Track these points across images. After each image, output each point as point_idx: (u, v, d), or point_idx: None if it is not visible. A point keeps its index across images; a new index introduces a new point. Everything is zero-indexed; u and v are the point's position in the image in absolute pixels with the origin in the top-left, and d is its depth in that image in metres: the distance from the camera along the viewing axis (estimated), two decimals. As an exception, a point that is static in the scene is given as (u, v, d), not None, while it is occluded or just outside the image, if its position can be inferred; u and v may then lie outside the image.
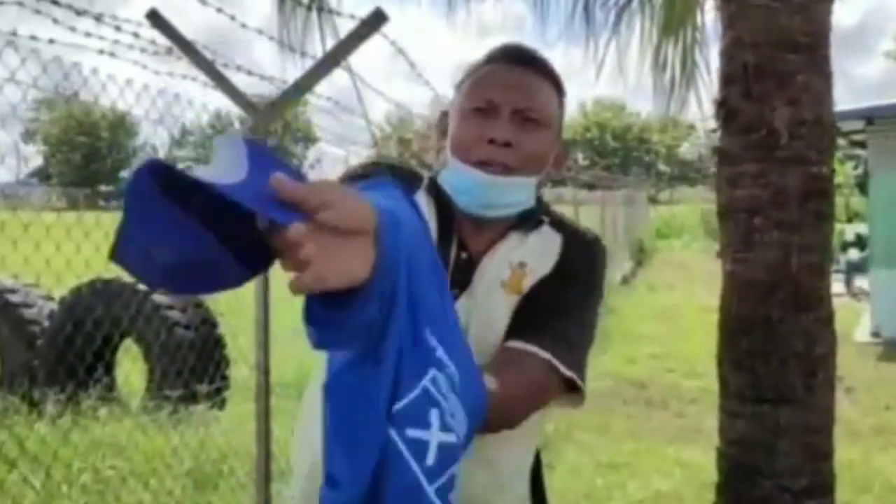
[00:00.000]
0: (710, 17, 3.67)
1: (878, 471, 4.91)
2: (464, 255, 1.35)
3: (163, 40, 2.76)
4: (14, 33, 2.44)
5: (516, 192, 1.33)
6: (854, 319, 10.55)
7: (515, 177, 1.31)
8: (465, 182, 1.32)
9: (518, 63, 1.35)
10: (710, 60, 3.73)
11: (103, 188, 61.00)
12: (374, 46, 2.67)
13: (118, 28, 2.46)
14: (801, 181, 2.26)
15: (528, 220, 1.38)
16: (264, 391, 2.87)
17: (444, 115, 1.42)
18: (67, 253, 3.51)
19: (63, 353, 5.44)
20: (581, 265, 1.37)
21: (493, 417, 1.06)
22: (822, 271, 2.33)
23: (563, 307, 1.31)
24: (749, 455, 2.34)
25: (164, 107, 3.01)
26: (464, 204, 1.34)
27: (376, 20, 2.68)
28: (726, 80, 2.39)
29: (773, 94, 2.27)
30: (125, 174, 69.07)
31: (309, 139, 66.19)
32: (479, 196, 1.32)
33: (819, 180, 2.29)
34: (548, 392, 1.25)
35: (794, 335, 2.27)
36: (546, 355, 1.22)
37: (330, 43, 3.46)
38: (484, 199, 1.32)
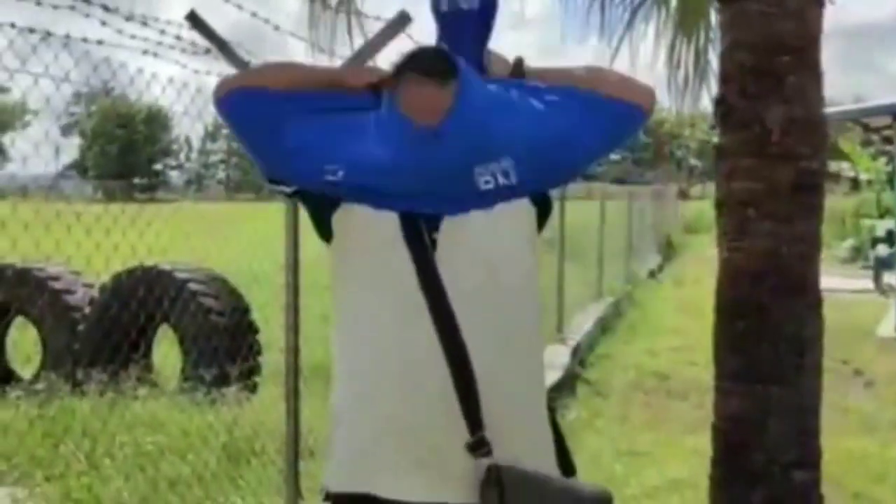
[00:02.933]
0: (721, 17, 3.78)
1: (893, 462, 4.95)
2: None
3: (203, 41, 2.94)
4: (68, 36, 2.67)
5: None
6: (881, 315, 10.47)
7: None
8: None
9: (427, 76, 1.49)
10: (723, 60, 3.83)
11: (138, 180, 61.81)
12: (393, 46, 2.83)
13: (162, 32, 2.67)
14: (792, 175, 2.42)
15: None
16: (293, 372, 3.00)
17: None
18: (87, 246, 3.76)
19: (103, 338, 5.58)
20: None
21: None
22: (812, 260, 2.48)
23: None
24: (742, 431, 2.50)
25: (203, 104, 3.21)
26: None
27: (401, 22, 2.81)
28: (724, 79, 2.55)
29: (767, 94, 2.43)
30: (159, 167, 69.91)
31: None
32: None
33: (810, 175, 2.44)
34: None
35: (784, 319, 2.43)
36: None
37: (357, 42, 3.63)
38: None
